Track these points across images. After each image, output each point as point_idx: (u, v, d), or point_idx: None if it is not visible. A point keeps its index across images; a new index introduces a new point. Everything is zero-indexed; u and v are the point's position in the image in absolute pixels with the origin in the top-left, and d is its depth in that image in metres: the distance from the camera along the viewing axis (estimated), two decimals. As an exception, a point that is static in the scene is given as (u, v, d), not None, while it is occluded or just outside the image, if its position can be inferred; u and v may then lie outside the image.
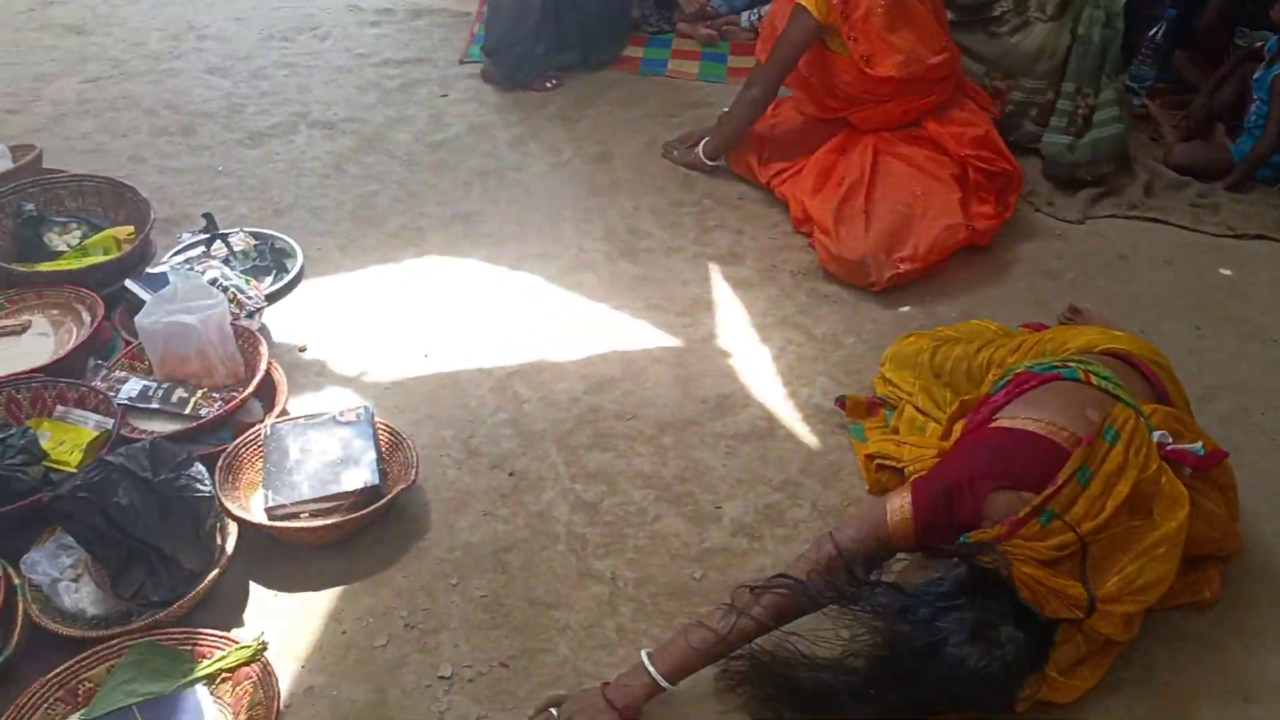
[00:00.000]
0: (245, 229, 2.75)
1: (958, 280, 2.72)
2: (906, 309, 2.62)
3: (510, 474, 2.13)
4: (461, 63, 3.69)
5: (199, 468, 1.86)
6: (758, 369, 2.42)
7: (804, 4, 2.70)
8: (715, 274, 2.73)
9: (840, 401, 2.29)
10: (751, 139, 3.02)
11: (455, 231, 2.87)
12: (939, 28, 2.82)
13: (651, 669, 1.64)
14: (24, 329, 2.29)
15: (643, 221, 2.92)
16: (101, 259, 2.43)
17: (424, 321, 2.54)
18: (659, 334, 2.53)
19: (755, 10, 3.95)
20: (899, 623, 1.49)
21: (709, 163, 3.08)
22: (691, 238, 2.86)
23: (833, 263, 2.66)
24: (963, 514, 1.63)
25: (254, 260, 2.67)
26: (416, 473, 2.02)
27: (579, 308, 2.61)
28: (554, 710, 1.67)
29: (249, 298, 2.42)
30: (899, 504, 1.67)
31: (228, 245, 2.66)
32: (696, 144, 3.11)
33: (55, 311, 2.33)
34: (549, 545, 1.99)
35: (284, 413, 2.17)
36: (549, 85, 3.51)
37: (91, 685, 1.66)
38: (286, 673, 1.73)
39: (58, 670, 1.66)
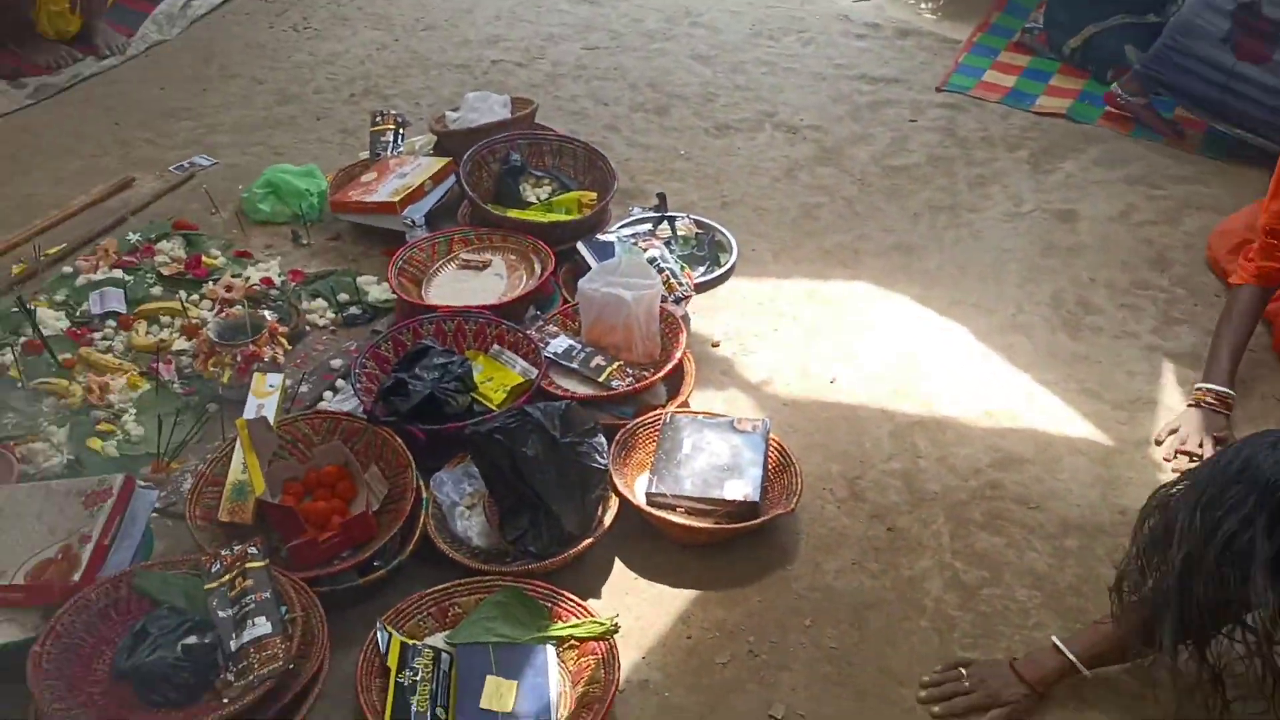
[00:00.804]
0: (692, 215, 2.82)
1: None
2: None
3: (890, 529, 2.02)
4: (938, 90, 3.55)
5: (601, 440, 1.92)
6: (1198, 495, 2.10)
7: None
8: (1169, 373, 2.42)
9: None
10: (1241, 232, 2.62)
11: (893, 261, 2.76)
12: None
13: (1066, 651, 1.67)
14: (484, 266, 2.50)
15: (1096, 295, 2.65)
16: (563, 218, 2.59)
17: (838, 346, 2.47)
18: (1086, 423, 2.27)
19: None
20: None
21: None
22: (1150, 326, 2.55)
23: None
24: None
25: (693, 248, 2.73)
26: (797, 501, 1.96)
27: (1003, 372, 2.41)
28: (963, 670, 1.73)
29: (680, 284, 2.47)
30: None
31: (673, 228, 2.74)
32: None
33: (513, 256, 2.52)
34: (913, 616, 1.86)
35: (685, 404, 2.20)
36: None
37: (459, 611, 1.78)
38: (627, 660, 1.75)
39: (435, 588, 1.79)
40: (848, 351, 2.45)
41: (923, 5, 4.09)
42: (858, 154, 3.21)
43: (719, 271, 2.69)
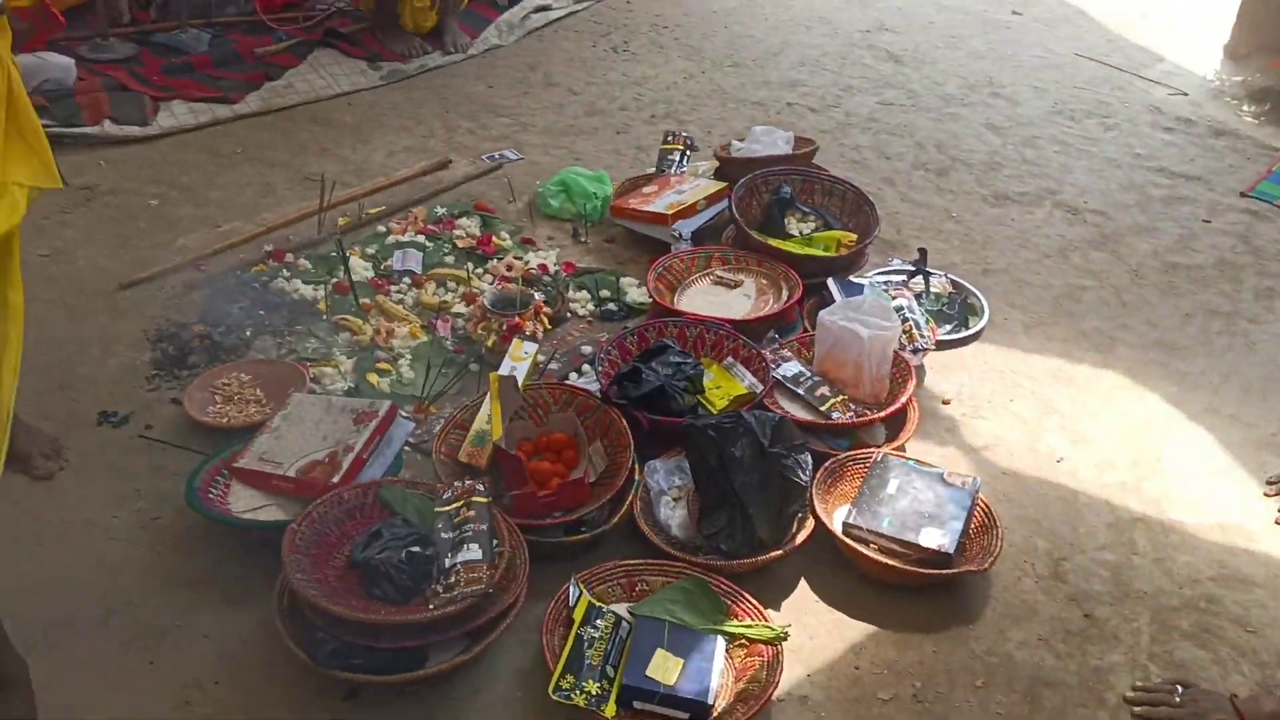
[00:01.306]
0: (949, 275, 2.84)
1: None
2: None
3: (1086, 615, 1.97)
4: (1242, 195, 3.38)
5: (807, 458, 2.00)
6: None
7: None
8: None
9: None
10: None
11: (1150, 357, 2.67)
12: None
13: None
14: (735, 285, 2.64)
15: (1378, 434, 2.45)
16: (819, 253, 2.70)
17: (1072, 427, 2.42)
18: (1333, 562, 2.12)
19: None
20: None
21: None
22: None
23: None
24: None
25: (943, 305, 2.75)
26: (992, 563, 1.96)
27: (1248, 489, 2.29)
28: (1179, 687, 1.80)
29: (922, 335, 2.51)
30: None
31: (926, 283, 2.78)
32: None
33: (764, 281, 2.65)
34: (1091, 706, 1.81)
35: (901, 448, 2.24)
36: None
37: (646, 588, 1.91)
38: (790, 672, 1.82)
39: (629, 562, 1.93)
40: (1081, 435, 2.40)
41: (1244, 108, 3.89)
42: (1138, 245, 3.12)
43: (966, 333, 2.70)
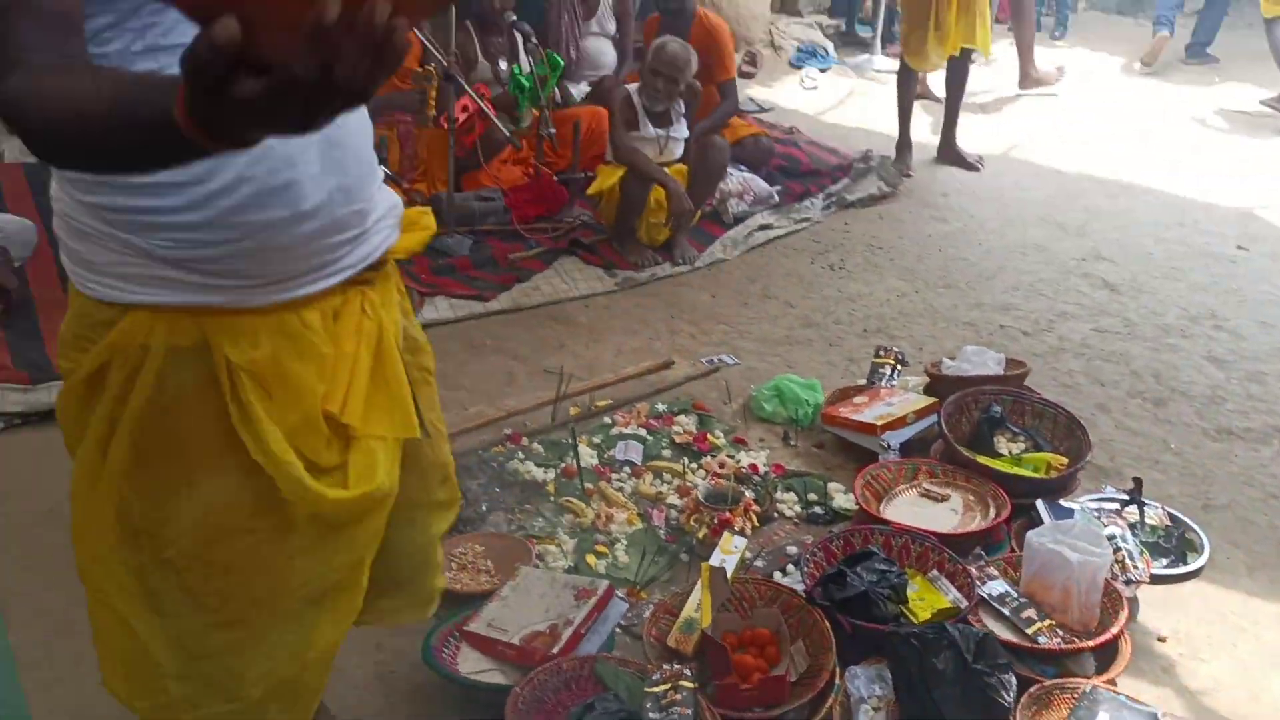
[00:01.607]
0: (1166, 508, 2.80)
1: None
2: None
3: None
4: None
5: (1012, 678, 2.01)
6: None
7: None
8: None
9: None
10: None
11: (1393, 612, 2.52)
12: None
13: None
14: (943, 499, 2.71)
15: None
16: (1029, 474, 2.74)
17: (1302, 680, 2.31)
18: None
19: None
20: None
21: None
22: None
23: None
24: None
25: (1159, 538, 2.71)
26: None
27: None
28: None
29: (1136, 567, 2.48)
30: None
31: (1141, 513, 2.75)
32: None
33: (971, 497, 2.70)
34: None
35: (1112, 682, 2.20)
36: None
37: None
38: None
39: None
40: (1310, 688, 2.29)
41: None
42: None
43: (1185, 569, 2.64)
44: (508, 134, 4.31)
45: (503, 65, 4.89)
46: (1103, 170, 5.55)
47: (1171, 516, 2.78)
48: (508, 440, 3.06)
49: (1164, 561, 2.65)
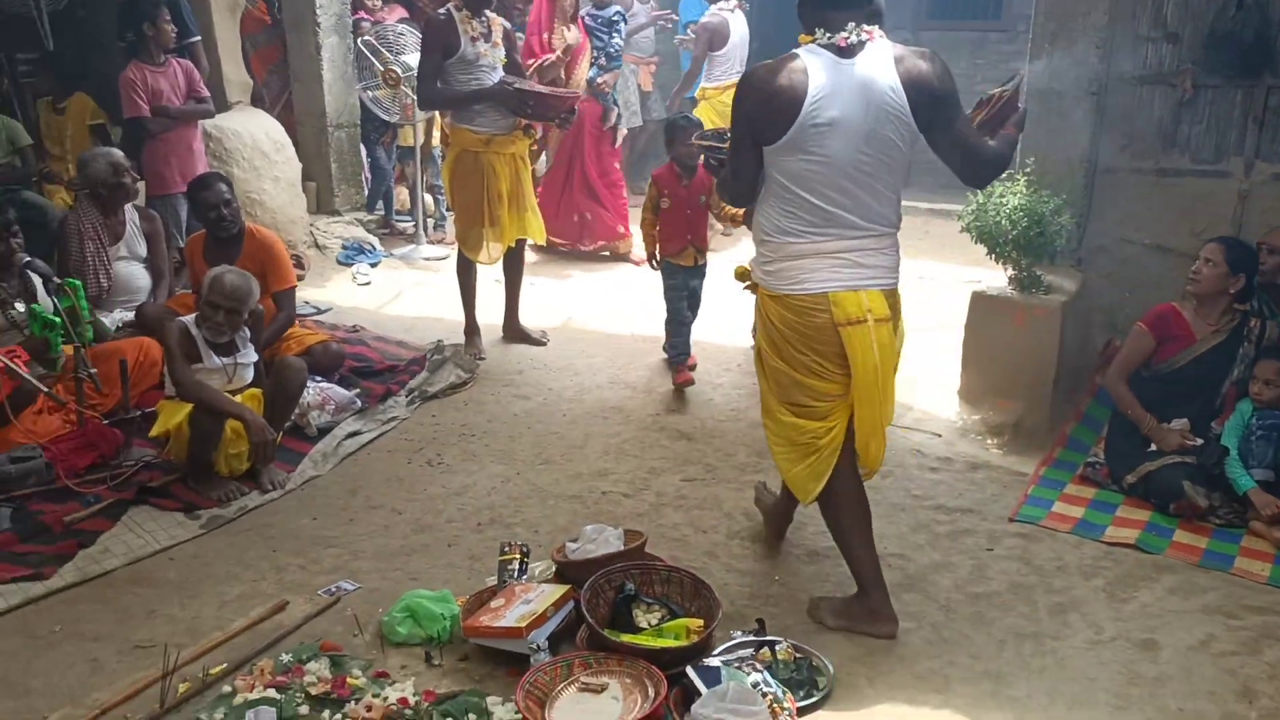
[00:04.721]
0: (790, 640, 3.04)
1: None
2: None
3: None
4: (1011, 521, 3.85)
5: None
6: None
7: None
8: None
9: None
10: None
11: (983, 689, 2.91)
12: None
13: None
14: (602, 689, 2.73)
15: (1188, 725, 2.74)
16: (673, 644, 2.85)
17: (938, 774, 2.58)
18: None
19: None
20: None
21: None
22: (1245, 759, 2.62)
23: None
24: None
25: (792, 671, 2.93)
26: None
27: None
28: None
29: (784, 708, 2.65)
30: None
31: (773, 653, 2.96)
32: None
33: (628, 680, 2.75)
34: None
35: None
36: None
37: None
38: None
39: None
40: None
41: (989, 441, 4.50)
42: (940, 581, 3.46)
43: (817, 696, 2.86)
44: (45, 390, 3.84)
45: (19, 307, 4.38)
46: (652, 328, 6.07)
47: (796, 648, 3.02)
48: (109, 744, 2.62)
49: (801, 694, 2.86)
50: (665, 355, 5.35)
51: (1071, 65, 4.66)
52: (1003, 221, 4.37)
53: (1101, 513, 3.88)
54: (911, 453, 4.45)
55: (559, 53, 6.58)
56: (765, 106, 2.86)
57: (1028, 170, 4.60)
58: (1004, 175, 4.45)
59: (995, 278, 4.78)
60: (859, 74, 2.86)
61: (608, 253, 7.46)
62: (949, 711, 2.83)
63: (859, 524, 3.19)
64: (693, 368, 5.21)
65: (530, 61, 6.37)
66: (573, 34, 6.64)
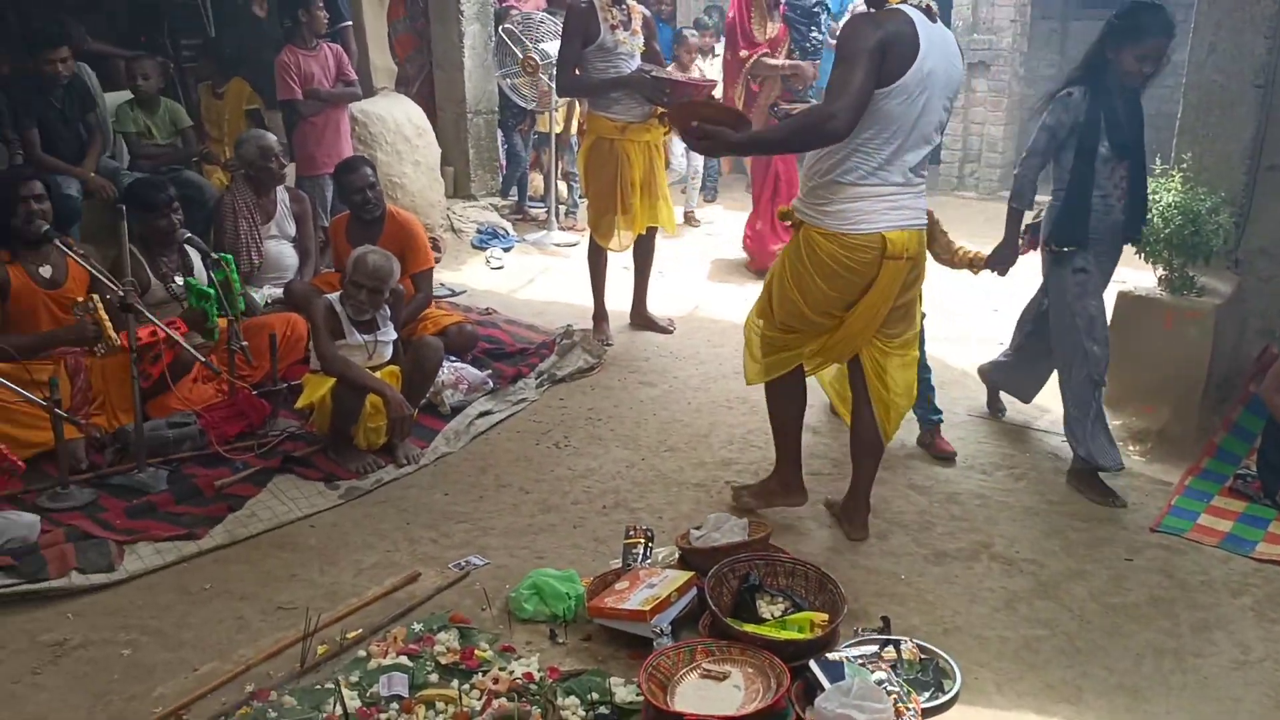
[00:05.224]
0: (915, 640, 2.99)
1: None
2: None
3: None
4: (1153, 531, 3.70)
5: None
6: None
7: None
8: None
9: None
10: None
11: (1118, 703, 2.82)
12: None
13: None
14: (724, 677, 2.73)
15: (1343, 757, 2.60)
16: (797, 636, 2.84)
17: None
18: None
19: None
20: None
21: None
22: None
23: None
24: None
25: (917, 672, 2.88)
26: None
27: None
28: None
29: (908, 708, 2.61)
30: None
31: (898, 651, 2.91)
32: None
33: (750, 670, 2.75)
34: None
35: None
36: None
37: None
38: None
39: None
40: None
41: (1132, 448, 4.32)
42: (1076, 589, 3.35)
43: (944, 698, 2.81)
44: (203, 360, 4.05)
45: (178, 280, 4.62)
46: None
47: (922, 648, 2.97)
48: (252, 699, 2.76)
49: (925, 695, 2.82)
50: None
51: (1236, 56, 4.43)
52: (1155, 219, 4.19)
53: (1252, 527, 3.69)
54: (1048, 456, 4.31)
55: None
56: (892, 49, 3.13)
57: (1184, 166, 4.39)
58: (1156, 170, 4.29)
59: (1143, 278, 4.59)
60: (942, 36, 3.25)
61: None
62: (1079, 724, 2.75)
63: (790, 413, 3.76)
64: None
65: (743, 54, 6.35)
66: (773, 27, 6.46)
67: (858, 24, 3.20)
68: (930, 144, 3.32)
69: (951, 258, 4.25)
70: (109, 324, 3.86)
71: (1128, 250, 4.51)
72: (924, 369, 4.21)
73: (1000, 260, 4.15)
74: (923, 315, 3.74)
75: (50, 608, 3.20)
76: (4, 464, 3.36)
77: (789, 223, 3.54)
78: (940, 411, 4.41)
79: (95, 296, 3.91)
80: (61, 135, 5.45)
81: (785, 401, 3.74)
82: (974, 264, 4.22)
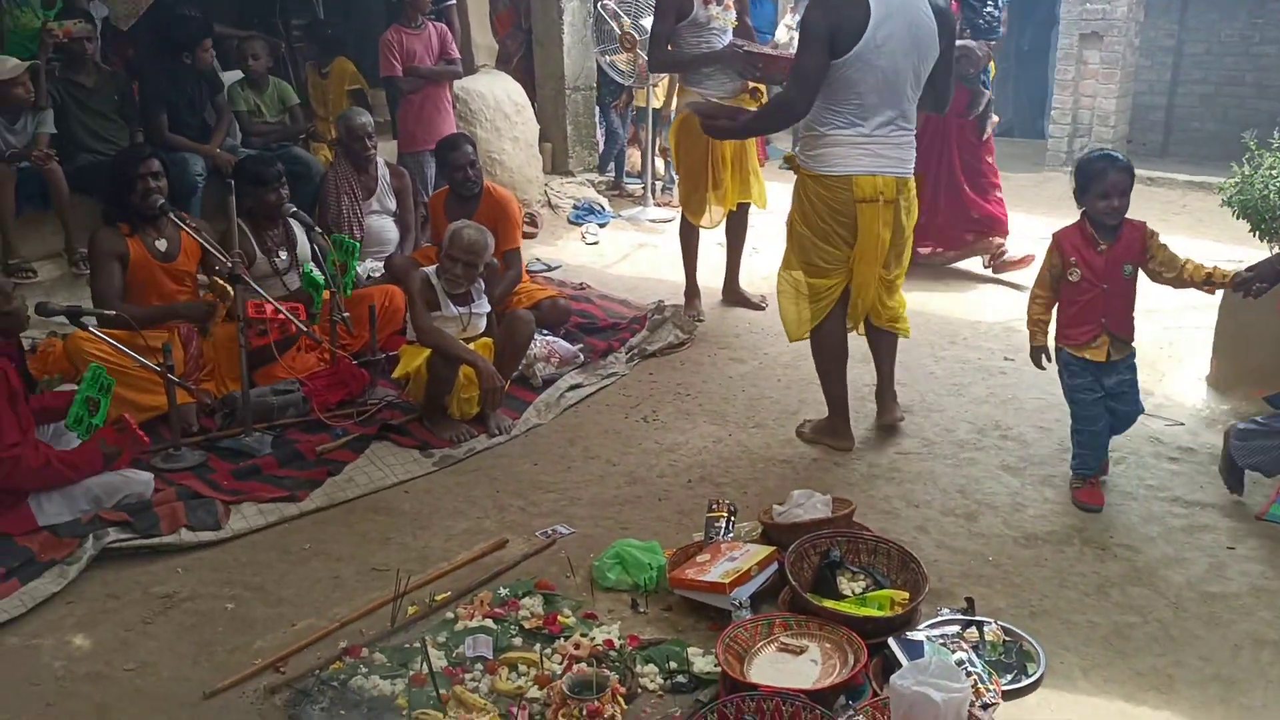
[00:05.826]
0: (999, 622, 2.95)
1: None
2: None
3: None
4: (1258, 520, 3.56)
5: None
6: None
7: None
8: None
9: None
10: None
11: (1211, 693, 2.73)
12: None
13: None
14: (801, 651, 2.75)
15: None
16: (876, 613, 2.82)
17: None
18: None
19: None
20: None
21: None
22: None
23: None
24: None
25: (1000, 654, 2.84)
26: None
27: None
28: None
29: (989, 689, 2.59)
30: None
31: (980, 633, 2.88)
32: None
33: (828, 645, 2.75)
34: None
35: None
36: None
37: None
38: None
39: None
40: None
41: (1239, 432, 4.15)
42: (1172, 577, 3.25)
43: (1026, 681, 2.77)
44: (307, 330, 4.21)
45: (282, 255, 4.80)
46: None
47: (1006, 630, 2.93)
48: (345, 655, 2.88)
49: (1008, 678, 2.78)
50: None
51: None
52: (1271, 195, 4.01)
53: (1368, 521, 3.52)
54: (1149, 440, 4.18)
55: None
56: (840, 28, 3.58)
57: (1304, 141, 4.19)
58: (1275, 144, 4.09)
59: (1257, 257, 4.38)
60: (904, 1, 3.61)
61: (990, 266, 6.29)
62: (1169, 713, 2.67)
63: (836, 363, 4.13)
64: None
65: None
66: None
67: (809, 11, 3.68)
68: (906, 99, 3.72)
69: (1178, 274, 3.58)
70: (229, 297, 4.04)
71: (1242, 229, 4.34)
72: (1135, 404, 3.73)
73: (1263, 276, 3.48)
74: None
75: (161, 562, 3.39)
76: (133, 437, 3.56)
77: (791, 168, 4.00)
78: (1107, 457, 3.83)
79: (217, 276, 4.09)
80: (187, 120, 5.70)
81: (827, 354, 4.11)
82: (1212, 281, 3.55)
